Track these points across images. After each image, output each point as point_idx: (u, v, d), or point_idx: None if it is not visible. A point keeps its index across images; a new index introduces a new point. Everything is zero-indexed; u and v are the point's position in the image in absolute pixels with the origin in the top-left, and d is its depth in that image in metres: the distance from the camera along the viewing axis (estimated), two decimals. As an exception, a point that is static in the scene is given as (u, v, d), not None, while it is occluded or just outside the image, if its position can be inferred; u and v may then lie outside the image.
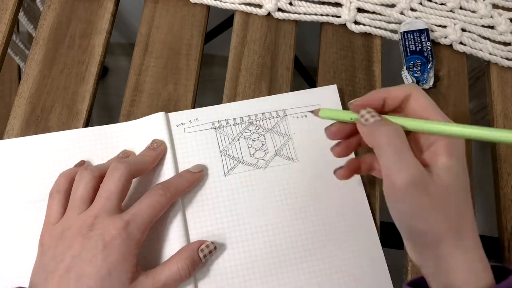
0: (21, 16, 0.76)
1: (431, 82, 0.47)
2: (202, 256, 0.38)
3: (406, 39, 0.47)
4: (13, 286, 0.36)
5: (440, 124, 0.31)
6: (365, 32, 0.49)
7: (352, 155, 0.42)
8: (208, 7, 0.51)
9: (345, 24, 0.50)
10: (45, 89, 0.46)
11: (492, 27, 0.49)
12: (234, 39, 0.49)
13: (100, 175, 0.38)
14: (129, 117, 0.46)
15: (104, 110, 1.21)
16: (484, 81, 0.51)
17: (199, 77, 0.48)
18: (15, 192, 0.42)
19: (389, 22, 0.49)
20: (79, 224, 0.36)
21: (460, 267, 0.30)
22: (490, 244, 0.44)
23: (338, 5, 0.50)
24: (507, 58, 0.48)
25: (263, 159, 0.44)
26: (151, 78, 0.47)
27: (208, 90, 1.11)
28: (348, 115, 0.35)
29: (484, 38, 0.49)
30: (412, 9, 0.50)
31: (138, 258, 0.36)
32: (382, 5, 0.49)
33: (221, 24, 0.98)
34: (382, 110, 0.34)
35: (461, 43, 0.49)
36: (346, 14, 0.49)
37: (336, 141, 0.37)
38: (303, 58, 1.04)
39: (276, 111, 0.45)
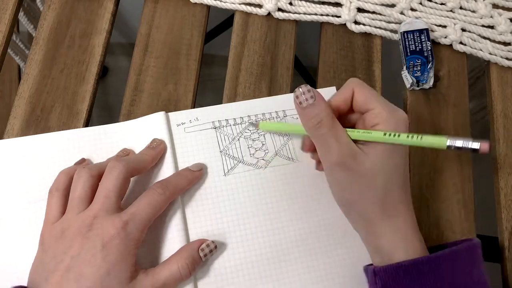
0: (21, 16, 0.76)
1: (431, 82, 0.47)
2: (202, 255, 0.38)
3: (406, 39, 0.47)
4: (13, 286, 0.36)
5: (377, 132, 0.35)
6: (365, 32, 0.49)
7: None
8: (208, 7, 0.51)
9: (345, 24, 0.50)
10: (45, 89, 0.46)
11: (492, 27, 0.49)
12: (234, 39, 0.49)
13: (98, 173, 0.38)
14: (129, 117, 0.46)
15: (104, 110, 1.22)
16: (484, 81, 0.51)
17: (199, 77, 0.48)
18: (15, 192, 0.42)
19: (389, 22, 0.49)
20: (78, 224, 0.36)
21: (387, 232, 0.35)
22: (490, 244, 0.44)
23: (338, 5, 0.50)
24: (507, 58, 0.48)
25: (263, 159, 0.44)
26: (151, 78, 0.47)
27: (208, 90, 1.11)
28: (286, 127, 0.41)
29: (484, 38, 0.49)
30: (412, 9, 0.50)
31: (138, 257, 0.36)
32: (382, 5, 0.49)
33: (221, 24, 0.98)
34: (347, 114, 0.38)
35: (461, 43, 0.49)
36: (346, 14, 0.49)
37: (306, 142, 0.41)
38: (303, 58, 1.04)
39: (276, 111, 0.45)
